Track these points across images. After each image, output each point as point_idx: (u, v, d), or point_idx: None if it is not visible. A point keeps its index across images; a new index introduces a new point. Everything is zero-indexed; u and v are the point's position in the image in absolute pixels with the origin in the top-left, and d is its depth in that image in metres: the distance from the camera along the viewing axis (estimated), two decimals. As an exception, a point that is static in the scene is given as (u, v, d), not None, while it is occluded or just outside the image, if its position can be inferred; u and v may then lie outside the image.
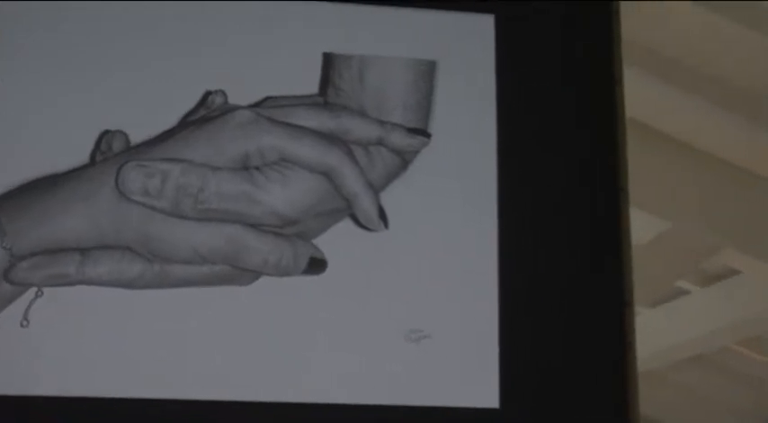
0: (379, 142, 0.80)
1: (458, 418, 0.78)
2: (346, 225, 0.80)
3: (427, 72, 0.82)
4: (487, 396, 0.79)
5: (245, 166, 0.77)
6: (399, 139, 0.80)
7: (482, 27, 0.86)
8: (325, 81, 0.83)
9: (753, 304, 4.33)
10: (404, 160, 0.81)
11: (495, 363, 0.79)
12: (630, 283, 0.82)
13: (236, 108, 0.79)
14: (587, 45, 0.88)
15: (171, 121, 0.82)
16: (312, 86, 0.83)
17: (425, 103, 0.82)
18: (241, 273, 0.78)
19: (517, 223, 0.82)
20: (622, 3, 0.94)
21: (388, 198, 0.80)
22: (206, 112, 0.81)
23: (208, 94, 0.82)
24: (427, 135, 0.81)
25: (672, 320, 4.48)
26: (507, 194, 0.82)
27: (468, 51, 0.85)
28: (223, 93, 0.82)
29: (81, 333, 0.77)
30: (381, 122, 0.80)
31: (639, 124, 3.95)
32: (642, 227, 3.93)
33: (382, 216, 0.79)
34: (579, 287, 0.81)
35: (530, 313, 0.80)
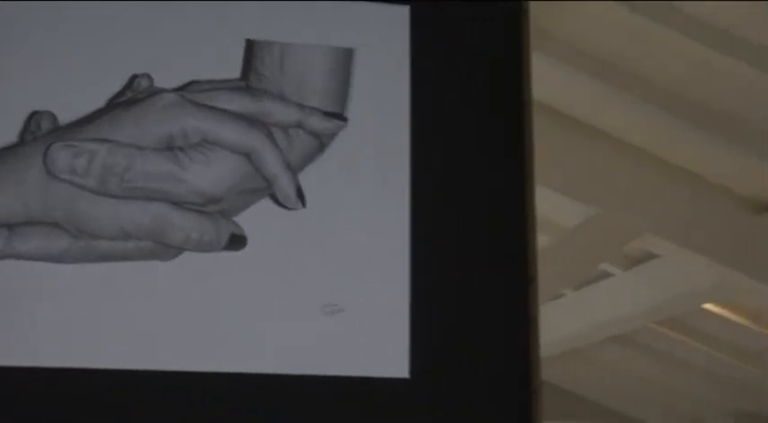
0: (298, 125, 0.81)
1: (369, 387, 0.78)
2: (266, 203, 0.80)
3: (345, 59, 0.83)
4: (398, 366, 0.79)
5: (169, 147, 0.77)
6: (317, 123, 0.81)
7: (398, 17, 0.86)
8: (248, 66, 0.83)
9: (670, 287, 4.45)
10: (321, 143, 0.82)
11: (406, 335, 0.79)
12: (535, 259, 0.83)
13: (161, 91, 0.79)
14: (498, 36, 0.88)
15: (98, 103, 0.81)
16: (235, 72, 0.83)
17: (343, 89, 0.82)
18: (164, 248, 0.78)
19: (428, 203, 0.82)
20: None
21: (306, 178, 0.80)
22: (132, 95, 0.81)
23: (134, 77, 0.82)
24: (344, 119, 0.82)
25: (596, 301, 4.60)
26: (419, 177, 0.82)
27: (384, 40, 0.85)
28: (149, 76, 0.82)
29: (9, 305, 0.77)
30: (300, 106, 0.81)
31: (572, 119, 4.00)
32: (570, 213, 4.00)
33: (300, 195, 0.79)
34: (487, 263, 0.82)
35: (439, 289, 0.81)
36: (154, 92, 0.79)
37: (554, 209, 4.42)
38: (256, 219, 0.80)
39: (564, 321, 5.33)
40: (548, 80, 3.74)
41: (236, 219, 0.79)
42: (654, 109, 3.87)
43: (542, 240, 4.72)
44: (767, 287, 4.15)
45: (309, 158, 0.81)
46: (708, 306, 5.15)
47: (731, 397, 6.10)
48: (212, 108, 0.78)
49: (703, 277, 4.50)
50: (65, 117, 0.80)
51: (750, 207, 4.22)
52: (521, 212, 0.83)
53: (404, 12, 0.86)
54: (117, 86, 0.81)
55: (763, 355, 5.44)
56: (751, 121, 3.81)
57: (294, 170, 0.79)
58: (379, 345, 0.79)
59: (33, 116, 0.80)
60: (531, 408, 0.80)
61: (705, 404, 6.42)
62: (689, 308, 5.26)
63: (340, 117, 0.82)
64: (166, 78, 0.81)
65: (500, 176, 0.84)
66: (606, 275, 5.40)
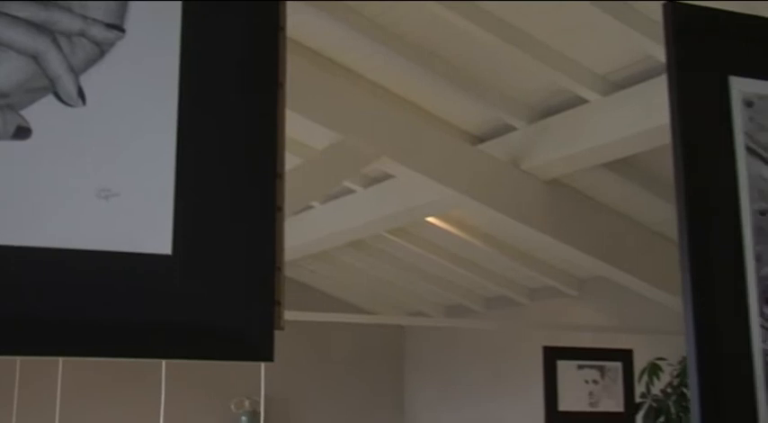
0: (82, 34, 0.79)
1: (136, 262, 0.78)
2: (50, 100, 0.78)
3: None
4: (162, 244, 0.79)
5: None
6: (98, 32, 0.79)
7: (173, -55, 0.84)
8: (37, -21, 0.79)
9: (401, 202, 4.60)
10: (102, 50, 0.80)
11: (170, 218, 0.79)
12: (283, 159, 0.84)
13: (-46, -4, 0.75)
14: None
15: None
16: (25, -17, 0.79)
17: (122, 4, 0.80)
18: None
19: (194, 107, 0.81)
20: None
21: (87, 80, 0.78)
22: (-74, -1, 0.76)
23: None
24: (122, 30, 0.80)
25: (340, 213, 4.69)
26: (187, 84, 0.81)
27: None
28: (-59, -18, 0.77)
29: None
30: (84, 17, 0.79)
31: (326, 59, 4.00)
32: (320, 137, 4.04)
33: (81, 94, 0.78)
34: (242, 160, 0.82)
35: (200, 179, 0.80)
36: (-53, -4, 0.75)
37: (307, 134, 4.46)
38: (41, 113, 0.77)
39: (312, 229, 5.41)
40: (309, 24, 3.75)
41: (22, 112, 0.77)
42: (392, 53, 3.95)
43: (296, 161, 4.73)
44: (477, 204, 4.34)
45: (91, 63, 0.79)
46: (430, 219, 5.34)
47: (444, 293, 6.37)
48: (3, 13, 0.76)
49: (427, 195, 4.65)
50: None
51: (465, 138, 4.39)
52: (272, 122, 0.83)
53: (179, -59, 0.84)
54: None
55: (473, 260, 5.70)
56: (472, 69, 3.95)
57: (76, 72, 0.78)
58: (146, 225, 0.78)
59: None
60: (275, 281, 0.82)
61: (423, 299, 6.69)
62: (415, 219, 5.45)
63: (119, 28, 0.80)
64: (-41, -16, 0.77)
65: (256, 94, 0.83)
66: (349, 192, 5.51)
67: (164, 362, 3.16)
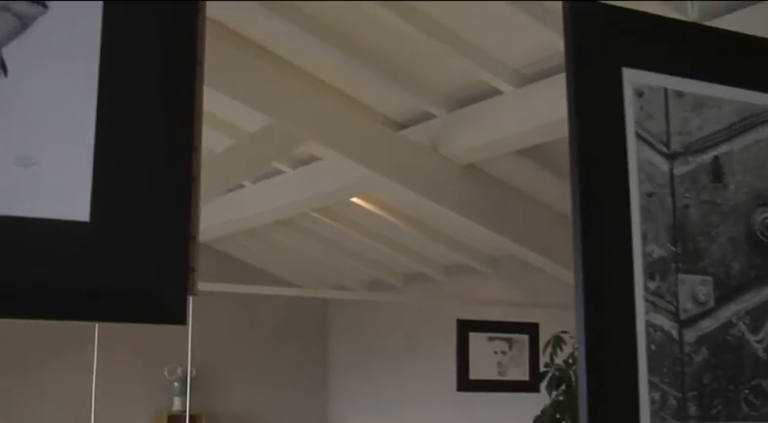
0: (5, 8, 0.76)
1: (54, 228, 0.76)
2: (-28, 71, 0.75)
3: None
4: (80, 211, 0.77)
5: None
6: (21, 7, 0.77)
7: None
8: (-39, -47, 0.77)
9: (327, 183, 4.58)
10: (24, 23, 0.77)
11: (88, 186, 0.77)
12: (200, 133, 0.82)
13: None
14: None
15: None
16: (-52, -44, 0.76)
17: None
18: None
19: (113, 80, 0.79)
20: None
21: (9, 52, 0.76)
22: None
23: None
24: (44, 5, 0.78)
25: (269, 192, 4.65)
26: (107, 58, 0.79)
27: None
28: None
29: None
30: None
31: (259, 47, 3.94)
32: (251, 120, 3.99)
33: (2, 66, 0.76)
34: (160, 132, 0.80)
35: (119, 149, 0.79)
36: None
37: (240, 117, 4.41)
38: (-34, 83, 0.75)
39: (243, 207, 5.36)
40: (242, 14, 3.70)
41: (-56, 81, 0.74)
42: (323, 44, 3.93)
43: (228, 142, 4.66)
44: (398, 186, 4.34)
45: (13, 36, 0.77)
46: (354, 199, 5.33)
47: (366, 269, 6.37)
48: None
49: (351, 177, 4.64)
50: None
51: (388, 124, 4.39)
52: (190, 97, 0.82)
53: None
54: None
55: (393, 238, 5.71)
56: (396, 60, 3.94)
57: None
58: (65, 192, 0.77)
59: None
60: (190, 248, 0.80)
61: (346, 274, 6.68)
62: (340, 200, 5.44)
63: (41, 3, 0.78)
64: None
65: (175, 70, 0.82)
66: (278, 172, 5.47)
67: (96, 329, 3.10)
